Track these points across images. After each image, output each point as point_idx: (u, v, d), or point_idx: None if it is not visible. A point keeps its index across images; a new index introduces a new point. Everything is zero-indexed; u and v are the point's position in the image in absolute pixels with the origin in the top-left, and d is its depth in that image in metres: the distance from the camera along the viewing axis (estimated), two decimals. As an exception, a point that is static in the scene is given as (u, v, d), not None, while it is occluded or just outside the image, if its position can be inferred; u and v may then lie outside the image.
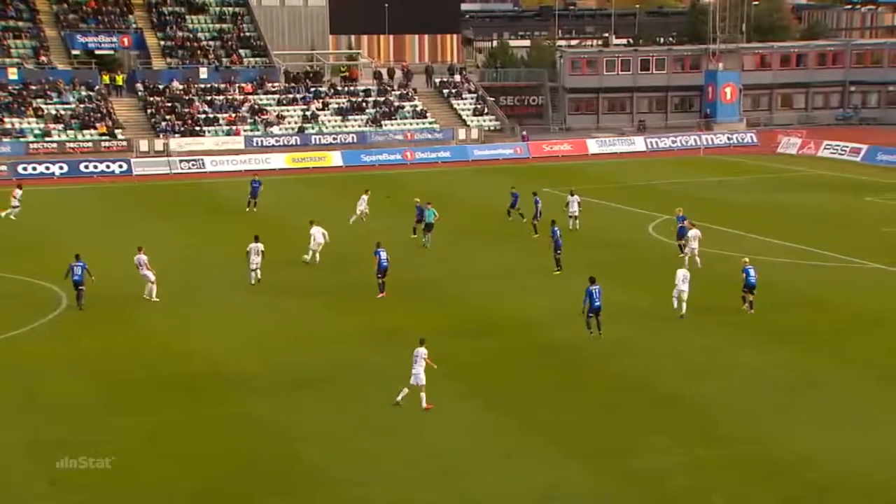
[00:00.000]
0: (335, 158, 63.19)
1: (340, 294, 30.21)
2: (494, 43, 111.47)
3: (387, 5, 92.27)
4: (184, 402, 21.18)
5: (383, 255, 29.69)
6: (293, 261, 33.73)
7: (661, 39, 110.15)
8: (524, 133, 71.01)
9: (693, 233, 32.18)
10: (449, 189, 51.60)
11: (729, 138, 70.52)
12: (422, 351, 20.69)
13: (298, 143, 66.53)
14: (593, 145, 68.52)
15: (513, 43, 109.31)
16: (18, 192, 42.98)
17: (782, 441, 18.85)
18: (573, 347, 24.54)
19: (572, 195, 39.12)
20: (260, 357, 23.97)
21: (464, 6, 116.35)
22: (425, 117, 71.61)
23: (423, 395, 20.49)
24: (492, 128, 72.37)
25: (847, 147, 62.14)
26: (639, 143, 69.19)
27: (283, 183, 53.82)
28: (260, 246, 31.13)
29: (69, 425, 19.79)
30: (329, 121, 69.56)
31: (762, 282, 27.49)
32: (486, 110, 74.08)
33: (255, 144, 65.22)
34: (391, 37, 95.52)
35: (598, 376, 22.62)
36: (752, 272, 27.07)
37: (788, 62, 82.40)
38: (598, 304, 24.96)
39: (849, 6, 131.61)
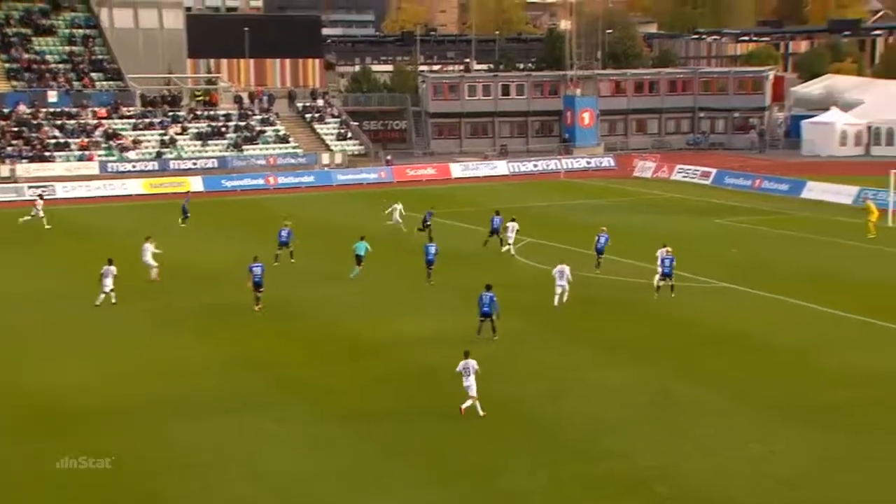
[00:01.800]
0: (195, 184, 61.85)
1: (205, 319, 29.60)
2: (357, 68, 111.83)
3: (246, 29, 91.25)
4: (39, 437, 20.15)
5: (257, 270, 30.40)
6: (153, 289, 32.82)
7: (521, 65, 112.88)
8: (388, 157, 71.38)
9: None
10: (314, 214, 51.35)
11: (588, 162, 72.81)
12: (471, 363, 21.45)
13: (156, 168, 64.87)
14: (456, 169, 69.48)
15: (375, 68, 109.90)
16: (40, 203, 47.52)
17: (640, 456, 19.48)
18: (437, 371, 24.70)
19: (512, 221, 39.55)
20: (121, 389, 23.16)
21: (326, 31, 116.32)
22: (288, 142, 71.10)
23: (477, 403, 21.30)
24: (356, 152, 72.47)
25: (698, 171, 65.14)
26: (501, 167, 70.60)
27: (140, 209, 52.31)
28: (113, 269, 30.84)
29: None
30: (188, 146, 68.14)
31: (621, 303, 28.41)
32: (349, 135, 74.15)
33: (110, 170, 63.20)
34: (251, 61, 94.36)
35: (462, 399, 22.83)
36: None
37: (642, 89, 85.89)
38: (486, 309, 26.43)
39: (695, 36, 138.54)
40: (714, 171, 64.07)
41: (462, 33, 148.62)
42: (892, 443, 19.96)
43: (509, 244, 39.33)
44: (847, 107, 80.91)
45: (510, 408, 22.17)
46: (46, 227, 45.89)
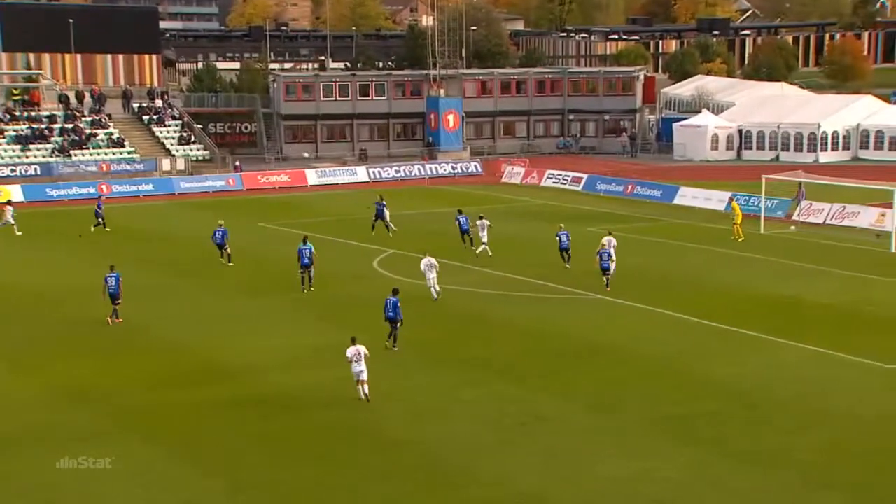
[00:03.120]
0: (14, 192, 59.32)
1: (25, 346, 28.45)
2: (200, 65, 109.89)
3: (71, 21, 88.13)
4: None
5: (112, 281, 30.67)
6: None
7: (381, 64, 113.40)
8: (237, 163, 70.39)
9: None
10: (155, 225, 50.11)
11: (453, 167, 73.70)
12: (361, 348, 23.69)
13: (-32, 176, 61.86)
14: (312, 176, 69.14)
15: (220, 65, 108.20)
16: (10, 210, 48.29)
17: (513, 481, 19.81)
18: (292, 395, 24.50)
19: (480, 218, 41.88)
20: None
21: (164, 24, 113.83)
22: (123, 146, 69.14)
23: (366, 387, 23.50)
24: (200, 158, 71.14)
25: (569, 176, 66.86)
26: (361, 173, 70.67)
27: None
28: None
29: None
30: (6, 150, 65.36)
31: (474, 314, 28.78)
32: (192, 138, 72.71)
33: (-89, 179, 59.80)
34: (78, 56, 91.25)
35: (319, 424, 22.71)
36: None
37: (509, 89, 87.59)
38: (391, 314, 27.60)
39: (563, 34, 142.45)
40: (585, 176, 65.91)
41: (316, 28, 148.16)
42: (747, 456, 20.94)
43: (483, 244, 40.78)
44: (718, 109, 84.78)
45: (371, 433, 22.19)
46: (18, 233, 47.27)
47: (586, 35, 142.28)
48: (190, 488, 19.48)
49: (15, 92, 73.59)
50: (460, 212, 42.93)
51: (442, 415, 23.47)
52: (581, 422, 22.99)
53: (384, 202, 47.46)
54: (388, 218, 46.69)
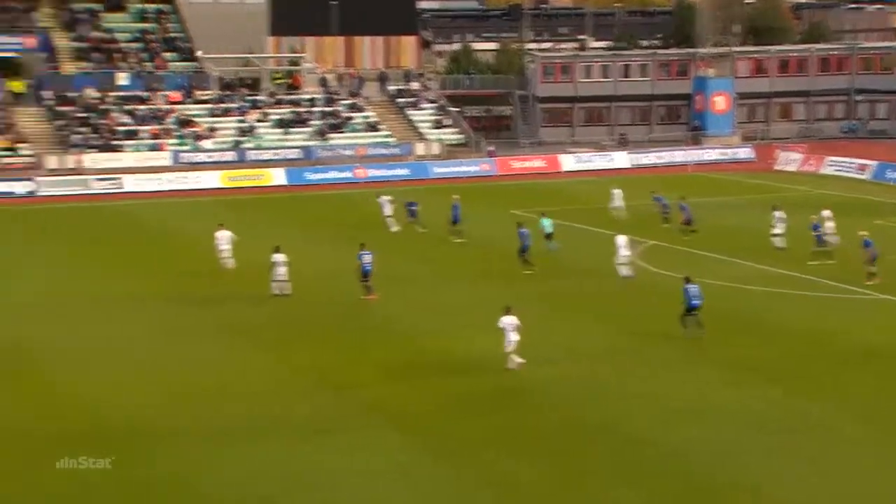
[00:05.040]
0: (276, 177, 63.51)
1: (275, 331, 30.50)
2: (457, 46, 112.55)
3: (335, 2, 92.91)
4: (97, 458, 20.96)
5: (367, 258, 32.67)
6: (220, 296, 33.98)
7: (645, 42, 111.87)
8: (490, 148, 71.86)
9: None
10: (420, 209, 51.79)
11: (722, 153, 71.89)
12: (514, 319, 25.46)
13: (234, 159, 66.75)
14: (568, 161, 69.52)
15: (477, 46, 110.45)
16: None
17: (770, 490, 19.39)
18: (530, 391, 24.95)
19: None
20: (185, 409, 23.99)
21: (422, 4, 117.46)
22: (378, 130, 72.21)
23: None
24: (454, 142, 73.07)
25: (854, 163, 63.65)
26: (619, 159, 70.32)
27: (215, 205, 54.06)
28: None
29: None
30: (269, 134, 69.94)
31: (739, 311, 28.15)
32: (447, 122, 74.84)
33: (182, 161, 65.37)
34: (340, 39, 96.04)
35: (560, 422, 23.02)
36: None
37: (787, 68, 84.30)
38: (695, 303, 27.89)
39: (854, 5, 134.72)
40: (873, 163, 62.50)
41: (577, 6, 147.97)
42: None
43: (778, 234, 40.23)
44: None
45: (617, 433, 22.30)
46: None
47: (882, 5, 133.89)
48: (432, 481, 20.16)
49: (278, 76, 78.55)
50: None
51: (694, 416, 23.21)
52: (853, 432, 22.11)
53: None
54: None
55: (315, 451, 21.46)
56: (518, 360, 25.72)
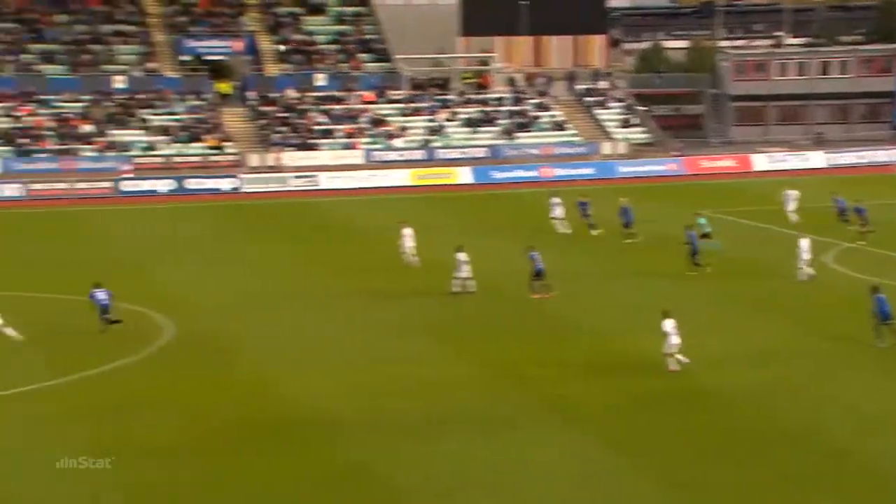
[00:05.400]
0: (463, 175, 64.06)
1: (458, 327, 30.74)
2: (646, 44, 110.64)
3: (525, 2, 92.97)
4: (288, 449, 21.64)
5: (537, 256, 32.98)
6: (403, 292, 34.48)
7: (845, 38, 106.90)
8: (678, 147, 70.29)
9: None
10: (597, 211, 51.27)
11: (926, 153, 67.92)
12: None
13: (423, 157, 67.69)
14: (760, 161, 67.22)
15: (668, 44, 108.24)
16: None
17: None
18: (716, 393, 24.21)
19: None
20: (372, 402, 24.41)
21: (612, 3, 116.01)
22: (565, 129, 71.84)
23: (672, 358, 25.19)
24: (641, 141, 71.92)
25: None
26: (815, 159, 67.47)
27: (404, 202, 55.00)
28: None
29: (161, 469, 20.52)
30: (457, 133, 70.60)
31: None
32: (635, 121, 73.70)
33: (374, 159, 66.80)
34: (529, 38, 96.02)
35: (751, 426, 22.23)
36: None
37: None
38: (887, 309, 26.64)
39: None
40: None
41: (773, 2, 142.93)
42: None
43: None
44: None
45: (811, 440, 21.35)
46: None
47: None
48: (613, 481, 19.83)
49: (467, 76, 79.23)
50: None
51: (893, 426, 21.97)
52: None
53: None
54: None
55: (494, 446, 21.46)
56: (683, 359, 25.38)
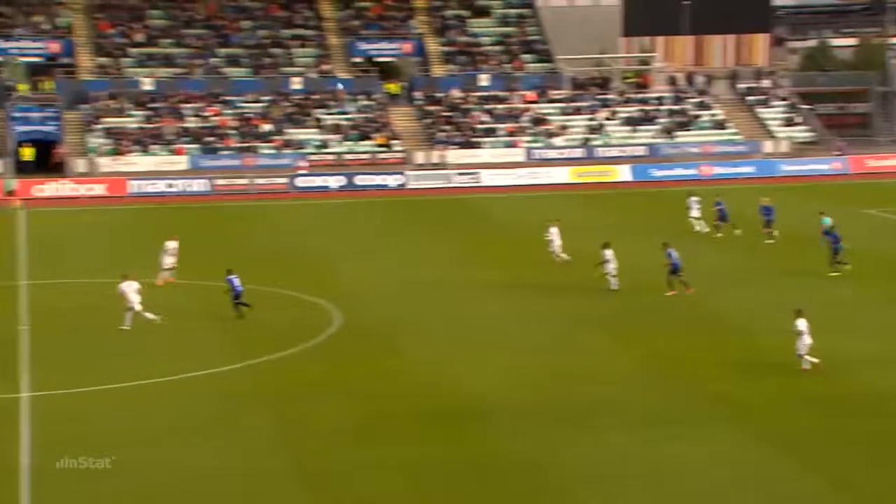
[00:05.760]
0: (622, 173, 63.49)
1: (617, 320, 30.66)
2: (812, 42, 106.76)
3: (687, 2, 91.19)
4: (452, 436, 21.96)
5: (674, 254, 32.79)
6: (559, 286, 34.53)
7: None
8: (841, 145, 67.62)
9: None
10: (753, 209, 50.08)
11: None
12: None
13: (582, 155, 67.37)
14: (933, 161, 64.04)
15: (835, 42, 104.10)
16: None
17: None
18: (887, 395, 23.32)
19: None
20: (525, 391, 24.66)
21: (777, 1, 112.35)
22: (725, 128, 70.22)
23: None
24: (805, 140, 69.60)
25: None
26: None
27: (563, 199, 54.94)
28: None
29: (332, 454, 21.15)
30: (616, 132, 69.93)
31: None
32: (798, 120, 71.35)
33: (534, 157, 66.87)
34: (690, 38, 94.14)
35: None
36: None
37: None
38: None
39: None
40: None
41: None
42: None
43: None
44: None
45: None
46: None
47: None
48: (775, 480, 19.39)
49: (627, 75, 78.34)
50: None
51: None
52: None
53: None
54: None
55: (653, 439, 21.33)
56: (813, 360, 24.82)
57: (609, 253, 33.61)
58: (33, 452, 20.90)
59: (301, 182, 61.10)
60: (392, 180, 61.98)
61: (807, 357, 24.97)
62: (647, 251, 38.15)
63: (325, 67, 72.11)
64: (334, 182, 61.44)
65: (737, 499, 18.82)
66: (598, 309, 32.02)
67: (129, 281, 30.23)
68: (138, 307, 29.89)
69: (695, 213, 44.28)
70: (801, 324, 25.00)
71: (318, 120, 67.95)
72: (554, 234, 37.92)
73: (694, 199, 44.78)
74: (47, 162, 62.17)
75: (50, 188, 58.30)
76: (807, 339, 24.89)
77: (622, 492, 19.18)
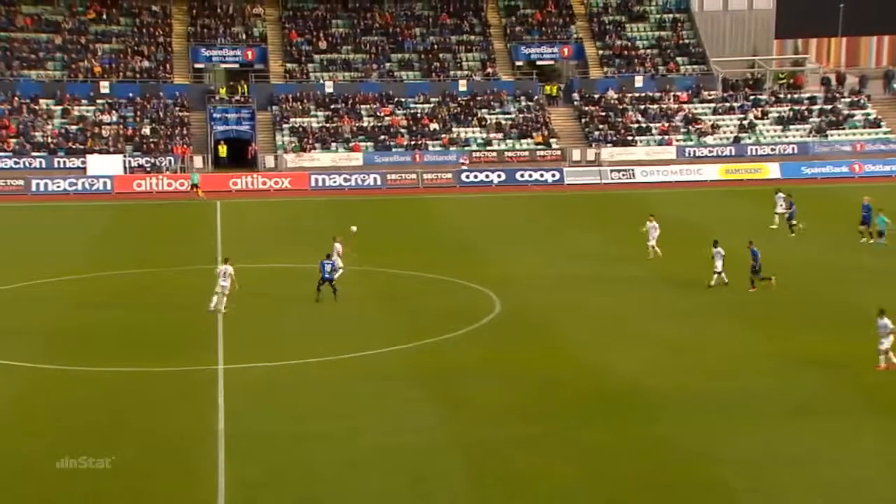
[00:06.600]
0: (772, 170, 61.57)
1: (757, 310, 29.94)
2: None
3: (842, 5, 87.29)
4: (607, 419, 21.83)
5: (756, 252, 32.10)
6: (701, 280, 33.93)
7: None
8: None
9: None
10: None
11: None
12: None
13: (733, 153, 65.69)
14: None
15: None
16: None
17: None
18: None
19: None
20: (675, 379, 24.28)
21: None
22: (879, 127, 67.00)
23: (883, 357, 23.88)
24: (963, 139, 65.62)
25: None
26: None
27: (713, 195, 53.72)
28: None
29: (493, 426, 21.36)
30: (767, 130, 67.78)
31: None
32: (954, 119, 67.34)
33: (686, 155, 65.58)
34: (843, 39, 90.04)
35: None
36: None
37: None
38: None
39: None
40: None
41: None
42: None
43: None
44: None
45: None
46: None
47: None
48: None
49: (781, 76, 75.73)
50: None
51: None
52: None
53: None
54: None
55: (803, 429, 20.78)
56: (894, 359, 23.82)
57: (718, 249, 32.81)
58: (226, 418, 22.03)
59: (465, 177, 61.84)
60: (549, 176, 61.98)
61: (890, 356, 23.99)
62: (787, 248, 37.17)
63: (489, 70, 72.62)
64: (496, 177, 61.94)
65: (888, 490, 18.12)
66: (739, 303, 31.24)
67: (227, 265, 29.43)
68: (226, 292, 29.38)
69: (780, 209, 43.36)
70: (883, 322, 24.04)
71: (482, 119, 68.54)
72: (652, 227, 37.15)
73: (781, 195, 43.70)
74: (242, 158, 65.03)
75: (243, 182, 61.01)
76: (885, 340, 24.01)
77: (772, 475, 18.71)
